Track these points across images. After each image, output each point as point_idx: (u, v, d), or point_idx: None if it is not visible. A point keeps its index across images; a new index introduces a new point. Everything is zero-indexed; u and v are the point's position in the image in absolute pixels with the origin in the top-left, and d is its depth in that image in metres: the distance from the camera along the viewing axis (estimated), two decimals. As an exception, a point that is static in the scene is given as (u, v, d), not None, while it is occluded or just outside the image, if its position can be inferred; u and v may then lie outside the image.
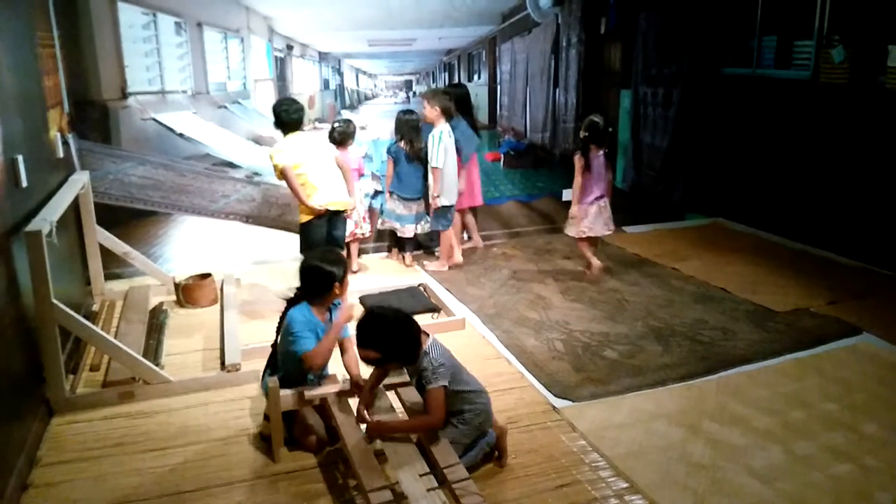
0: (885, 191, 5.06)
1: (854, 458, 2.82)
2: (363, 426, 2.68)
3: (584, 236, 5.02)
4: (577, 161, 4.88)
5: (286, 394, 2.78)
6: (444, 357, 2.64)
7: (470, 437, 2.68)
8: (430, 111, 5.08)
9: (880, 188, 5.10)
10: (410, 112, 5.40)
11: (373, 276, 5.19)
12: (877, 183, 5.13)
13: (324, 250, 3.49)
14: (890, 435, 2.99)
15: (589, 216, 4.95)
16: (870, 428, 3.04)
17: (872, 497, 2.59)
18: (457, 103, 5.50)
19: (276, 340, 2.99)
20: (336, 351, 2.96)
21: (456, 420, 2.67)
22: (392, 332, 2.59)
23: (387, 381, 2.93)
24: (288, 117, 4.25)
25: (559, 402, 3.30)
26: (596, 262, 5.08)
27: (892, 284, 4.82)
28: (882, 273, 5.02)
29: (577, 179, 4.90)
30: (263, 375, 3.01)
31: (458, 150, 5.24)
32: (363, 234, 5.34)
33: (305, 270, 2.93)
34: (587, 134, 4.86)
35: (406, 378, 2.93)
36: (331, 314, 2.96)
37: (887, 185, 5.04)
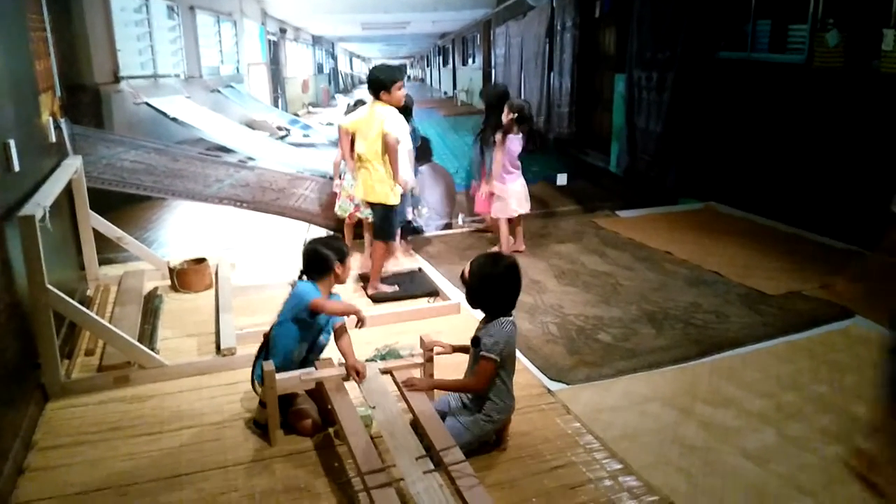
0: (878, 174, 5.07)
1: (845, 440, 2.84)
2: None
3: (513, 215, 5.24)
4: (500, 140, 5.00)
5: (282, 377, 2.79)
6: (512, 339, 2.70)
7: (483, 430, 2.71)
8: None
9: (874, 172, 5.11)
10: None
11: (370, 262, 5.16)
12: (870, 166, 5.14)
13: (330, 236, 3.70)
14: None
15: (516, 195, 5.17)
16: (860, 410, 3.07)
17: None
18: (495, 102, 5.27)
19: (271, 327, 2.99)
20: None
21: (484, 410, 2.70)
22: (501, 279, 2.68)
23: (384, 364, 2.97)
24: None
25: (554, 385, 3.33)
26: (521, 243, 5.39)
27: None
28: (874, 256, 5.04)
29: (499, 157, 5.05)
30: (254, 367, 3.01)
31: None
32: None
33: (306, 252, 3.01)
34: (516, 115, 5.02)
35: (400, 361, 3.03)
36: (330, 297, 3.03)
37: (880, 168, 5.05)
